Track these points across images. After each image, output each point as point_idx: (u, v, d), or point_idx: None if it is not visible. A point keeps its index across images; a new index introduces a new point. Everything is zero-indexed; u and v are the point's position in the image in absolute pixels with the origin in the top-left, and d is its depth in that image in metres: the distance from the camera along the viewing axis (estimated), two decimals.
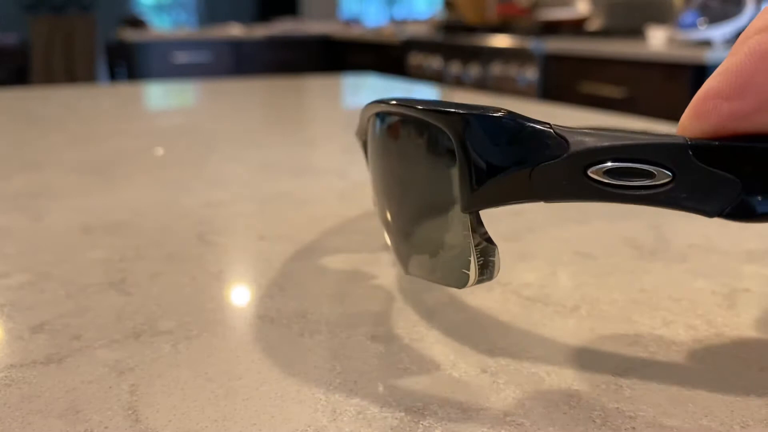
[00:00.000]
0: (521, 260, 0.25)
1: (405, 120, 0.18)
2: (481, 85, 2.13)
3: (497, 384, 0.17)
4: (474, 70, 2.18)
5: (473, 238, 0.16)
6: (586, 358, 0.18)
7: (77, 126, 0.59)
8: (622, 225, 0.29)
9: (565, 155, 0.14)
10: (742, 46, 0.14)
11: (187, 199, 0.34)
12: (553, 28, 2.19)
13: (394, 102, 0.18)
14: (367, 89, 0.90)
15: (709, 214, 0.14)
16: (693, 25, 1.54)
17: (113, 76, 3.52)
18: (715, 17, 1.51)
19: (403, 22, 3.34)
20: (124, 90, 0.95)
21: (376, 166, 0.21)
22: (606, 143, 0.14)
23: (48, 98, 0.78)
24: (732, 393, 0.16)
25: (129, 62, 3.15)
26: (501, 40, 2.08)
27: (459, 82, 2.24)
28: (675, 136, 0.14)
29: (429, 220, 0.19)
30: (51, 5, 4.90)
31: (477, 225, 0.16)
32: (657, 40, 1.76)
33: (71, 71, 3.24)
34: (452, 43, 2.34)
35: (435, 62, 2.40)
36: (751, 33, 0.14)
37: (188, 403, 0.16)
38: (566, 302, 0.21)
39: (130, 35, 3.14)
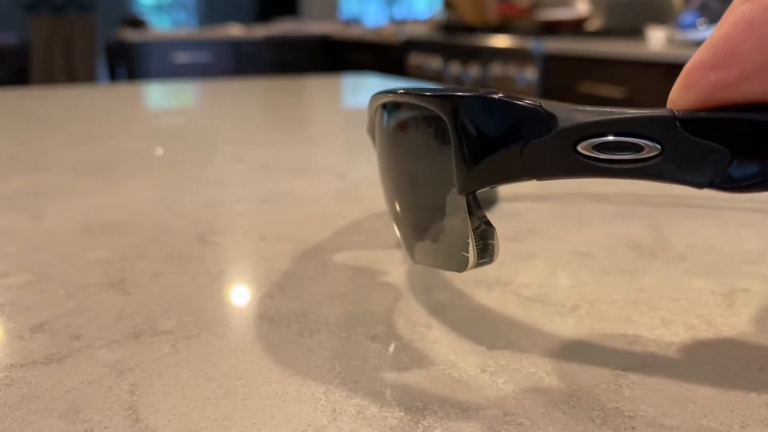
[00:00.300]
0: (521, 260, 0.25)
1: (404, 108, 0.19)
2: (481, 85, 2.13)
3: (497, 383, 0.17)
4: (474, 70, 2.18)
5: (471, 220, 0.17)
6: (586, 358, 0.18)
7: (77, 126, 0.59)
8: (622, 225, 0.29)
9: (554, 132, 0.15)
10: (727, 18, 0.14)
11: (187, 199, 0.34)
12: (552, 28, 2.19)
13: (392, 91, 0.19)
14: (366, 89, 0.90)
15: (699, 185, 0.14)
16: (693, 25, 1.54)
17: (113, 76, 3.52)
18: (715, 17, 1.51)
19: (403, 22, 3.34)
20: (124, 90, 0.95)
21: (382, 157, 0.21)
22: (594, 118, 0.14)
23: (48, 98, 0.78)
24: (731, 393, 0.16)
25: (129, 62, 3.15)
26: (501, 40, 2.08)
27: (459, 82, 2.24)
28: (663, 108, 0.14)
29: (430, 206, 0.19)
30: (51, 5, 4.90)
31: (475, 208, 0.17)
32: (657, 40, 1.76)
33: (71, 71, 3.24)
34: (452, 43, 2.34)
35: (435, 62, 2.40)
36: (737, 4, 0.14)
37: (188, 402, 0.16)
38: (566, 302, 0.22)
39: (130, 35, 3.14)
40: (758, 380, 0.17)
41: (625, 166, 0.14)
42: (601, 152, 0.14)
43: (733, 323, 0.20)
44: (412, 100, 0.18)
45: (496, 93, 0.15)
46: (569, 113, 0.15)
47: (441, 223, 0.18)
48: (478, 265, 0.17)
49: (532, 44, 1.92)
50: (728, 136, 0.14)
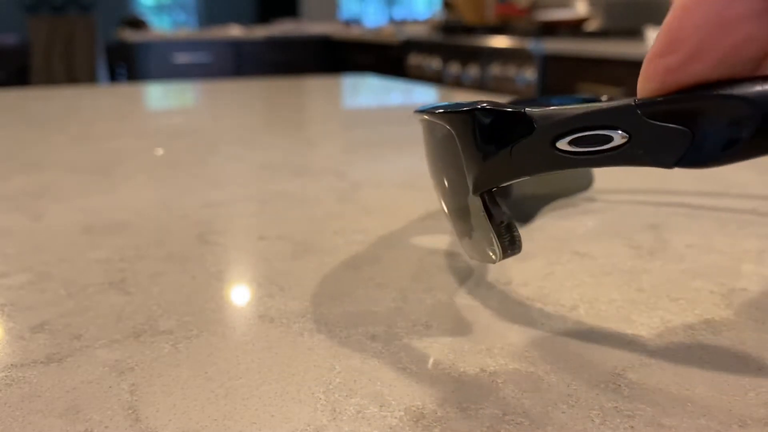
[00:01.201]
0: (520, 260, 0.25)
1: (429, 123, 0.20)
2: (480, 85, 2.13)
3: (496, 383, 0.17)
4: (473, 71, 2.18)
5: (490, 218, 0.18)
6: (585, 358, 0.18)
7: (77, 126, 0.59)
8: (621, 225, 0.29)
9: (533, 133, 0.16)
10: (671, 7, 0.15)
11: (187, 199, 0.34)
12: (551, 29, 2.19)
13: (419, 109, 0.20)
14: (366, 90, 0.90)
15: (667, 165, 0.15)
16: None
17: (113, 76, 3.52)
18: None
19: (403, 22, 3.34)
20: (124, 90, 0.95)
21: (428, 163, 0.23)
22: (565, 115, 0.16)
23: (48, 99, 0.78)
24: (730, 392, 0.16)
25: (129, 63, 3.15)
26: (500, 41, 2.08)
27: (458, 83, 2.24)
28: (626, 99, 0.15)
29: (461, 207, 0.20)
30: (51, 6, 4.90)
31: (492, 206, 0.18)
32: None
33: (71, 72, 3.24)
34: (451, 44, 2.34)
35: (434, 62, 2.40)
36: None
37: (188, 402, 0.16)
38: (565, 302, 0.22)
39: (130, 36, 3.14)
40: (757, 380, 0.17)
41: (599, 156, 0.16)
42: (576, 146, 0.16)
43: (732, 323, 0.20)
44: (426, 117, 0.20)
45: (486, 103, 0.17)
46: (546, 114, 0.16)
47: (470, 221, 0.20)
48: (506, 256, 0.19)
49: (531, 45, 1.92)
50: (686, 116, 0.14)
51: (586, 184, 0.33)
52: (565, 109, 0.16)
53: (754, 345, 0.19)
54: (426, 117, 0.20)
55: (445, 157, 0.20)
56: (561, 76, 1.85)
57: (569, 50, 1.81)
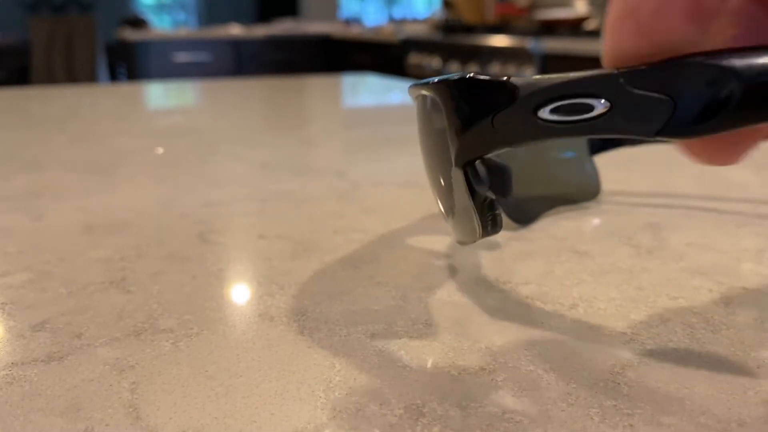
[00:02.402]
0: (519, 259, 0.25)
1: (420, 98, 0.20)
2: None
3: (495, 382, 0.17)
4: (473, 70, 2.18)
5: (472, 193, 0.18)
6: (584, 356, 0.18)
7: (77, 126, 0.59)
8: (620, 223, 0.29)
9: (516, 101, 0.16)
10: None
11: (187, 199, 0.34)
12: (551, 28, 2.19)
13: (412, 83, 0.20)
14: (366, 89, 0.90)
15: (648, 134, 0.15)
16: None
17: (113, 76, 3.52)
18: None
19: (402, 21, 3.34)
20: (124, 90, 0.95)
21: (420, 141, 0.23)
22: (547, 84, 0.16)
23: (48, 98, 0.78)
24: (729, 391, 0.16)
25: (129, 62, 3.15)
26: (499, 40, 2.08)
27: None
28: (610, 68, 0.15)
29: (446, 184, 0.20)
30: (51, 5, 4.90)
31: (474, 181, 0.18)
32: None
33: (72, 71, 3.24)
34: (451, 43, 2.34)
35: (434, 62, 2.40)
36: None
37: (189, 400, 0.16)
38: (564, 300, 0.22)
39: (130, 35, 3.14)
40: (756, 378, 0.17)
41: (580, 125, 0.15)
42: (558, 115, 0.16)
43: (731, 321, 0.20)
44: (419, 89, 0.20)
45: (471, 72, 0.17)
46: (530, 83, 0.16)
47: (453, 197, 0.19)
48: (486, 234, 0.19)
49: (530, 44, 1.92)
50: (669, 85, 0.14)
51: (591, 194, 0.33)
52: (549, 77, 0.16)
53: (753, 344, 0.19)
54: (416, 88, 0.20)
55: (433, 130, 0.20)
56: None
57: (569, 49, 1.81)
